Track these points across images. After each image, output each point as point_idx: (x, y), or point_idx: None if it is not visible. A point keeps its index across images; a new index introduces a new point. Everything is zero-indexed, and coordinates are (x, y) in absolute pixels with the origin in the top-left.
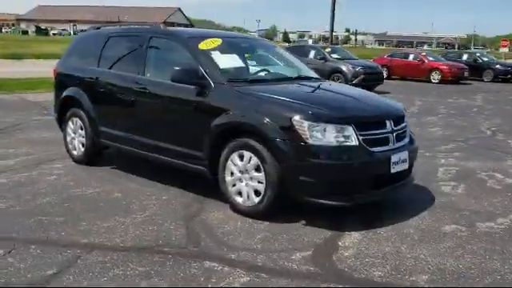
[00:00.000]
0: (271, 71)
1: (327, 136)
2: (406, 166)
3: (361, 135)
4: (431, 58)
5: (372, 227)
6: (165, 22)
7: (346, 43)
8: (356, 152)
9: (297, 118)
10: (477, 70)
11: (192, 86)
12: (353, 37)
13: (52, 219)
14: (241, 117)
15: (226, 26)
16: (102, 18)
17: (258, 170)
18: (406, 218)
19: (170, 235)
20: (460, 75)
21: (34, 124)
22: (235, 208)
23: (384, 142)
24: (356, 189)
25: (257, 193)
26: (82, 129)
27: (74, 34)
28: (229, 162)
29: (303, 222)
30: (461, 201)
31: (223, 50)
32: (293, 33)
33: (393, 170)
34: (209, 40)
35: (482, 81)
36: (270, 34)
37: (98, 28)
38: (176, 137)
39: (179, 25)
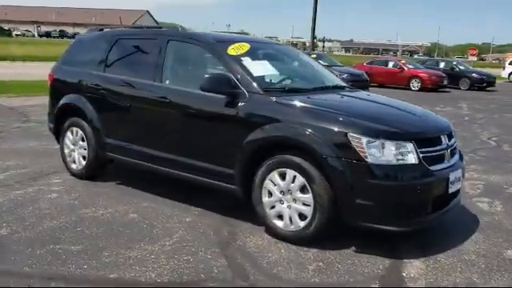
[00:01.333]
0: (303, 79)
1: (386, 154)
2: (459, 185)
3: (420, 152)
4: (411, 66)
5: (430, 253)
6: (134, 26)
7: (314, 50)
8: (416, 171)
9: (353, 133)
10: (454, 78)
11: (222, 96)
12: (320, 43)
13: (67, 248)
14: (283, 131)
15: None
16: (68, 19)
17: (303, 190)
18: (459, 241)
19: (210, 267)
20: (439, 83)
21: (16, 132)
22: (274, 232)
23: (441, 159)
24: (416, 212)
25: (301, 216)
26: (83, 140)
27: (39, 35)
28: (267, 181)
29: (353, 248)
30: (506, 220)
31: (253, 55)
32: None
33: (450, 190)
34: (237, 45)
35: (459, 89)
36: None
37: (101, 29)
38: (203, 152)
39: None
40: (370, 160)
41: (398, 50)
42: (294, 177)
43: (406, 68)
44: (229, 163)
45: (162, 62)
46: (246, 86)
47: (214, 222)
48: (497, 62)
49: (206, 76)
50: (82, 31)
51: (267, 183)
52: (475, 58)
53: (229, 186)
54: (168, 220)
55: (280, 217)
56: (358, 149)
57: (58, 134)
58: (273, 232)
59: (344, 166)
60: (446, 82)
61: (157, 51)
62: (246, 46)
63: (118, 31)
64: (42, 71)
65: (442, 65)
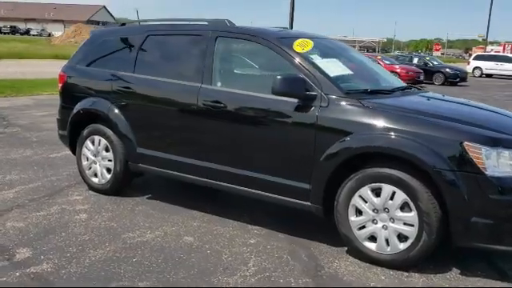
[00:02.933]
0: (373, 79)
1: (503, 164)
2: None
3: None
4: (387, 62)
5: None
6: (89, 21)
7: None
8: None
9: (470, 141)
10: (428, 74)
11: (294, 100)
12: None
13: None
14: (378, 140)
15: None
16: (19, 14)
17: (405, 208)
18: None
19: None
20: (416, 78)
21: (1, 138)
22: (364, 256)
23: None
24: None
25: (400, 237)
26: (107, 150)
27: None
28: (355, 197)
29: (457, 270)
30: None
31: (321, 52)
32: None
33: None
34: (300, 40)
35: (433, 84)
36: None
37: (123, 24)
38: (270, 164)
39: (104, 23)
40: (489, 172)
41: (355, 46)
42: (393, 193)
43: (382, 63)
44: (304, 177)
45: (210, 61)
46: (325, 88)
47: (284, 244)
48: (452, 56)
49: (279, 77)
50: (34, 27)
51: (355, 200)
52: (439, 53)
53: (303, 202)
54: (231, 243)
55: (372, 238)
56: (475, 160)
57: (73, 144)
58: (362, 255)
59: (459, 179)
60: (422, 78)
61: (203, 49)
62: (310, 43)
63: (149, 26)
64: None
65: (415, 60)
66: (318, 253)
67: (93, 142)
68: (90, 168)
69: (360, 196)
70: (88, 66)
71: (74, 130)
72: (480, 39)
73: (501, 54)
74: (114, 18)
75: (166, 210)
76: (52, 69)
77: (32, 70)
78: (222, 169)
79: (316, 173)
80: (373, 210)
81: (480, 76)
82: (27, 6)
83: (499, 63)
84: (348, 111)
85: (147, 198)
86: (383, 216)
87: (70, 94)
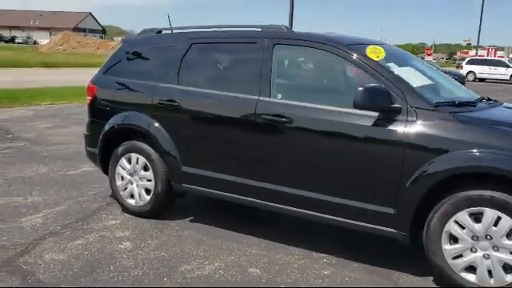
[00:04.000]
0: (448, 89)
1: None
2: None
3: None
4: None
5: None
6: (76, 28)
7: None
8: None
9: None
10: None
11: (374, 113)
12: None
13: None
14: (483, 159)
15: (135, 32)
16: (3, 22)
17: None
18: None
19: None
20: None
21: (10, 154)
22: None
23: None
24: None
25: (506, 268)
26: (145, 169)
27: None
28: (450, 223)
29: None
30: None
31: (396, 61)
32: None
33: None
34: (372, 47)
35: None
36: None
37: (159, 32)
38: (347, 186)
39: (91, 30)
40: None
41: None
42: (498, 218)
43: None
44: (388, 201)
45: (268, 71)
46: (410, 101)
47: (363, 275)
48: (441, 60)
49: (361, 88)
50: (19, 34)
51: (450, 226)
52: (431, 58)
53: (386, 229)
54: (303, 275)
55: (471, 269)
56: None
57: (105, 162)
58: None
59: None
60: None
61: (258, 58)
62: (382, 49)
63: (193, 34)
64: None
65: None
66: (404, 283)
67: (129, 161)
68: (126, 189)
69: (456, 222)
70: (121, 76)
71: (106, 148)
72: (465, 43)
73: (494, 58)
74: (101, 26)
75: (216, 235)
76: (45, 77)
77: (25, 79)
78: (288, 191)
79: (403, 196)
80: (472, 238)
81: (473, 80)
82: (12, 14)
83: (492, 67)
84: (441, 126)
85: (190, 221)
86: (484, 244)
87: (100, 107)
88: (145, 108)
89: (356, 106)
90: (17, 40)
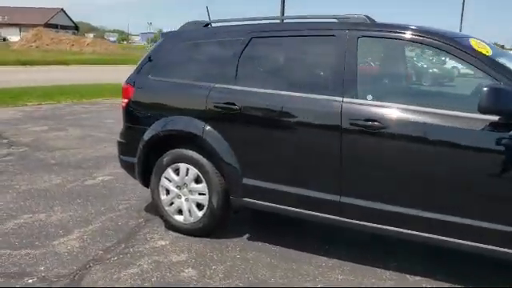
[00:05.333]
0: None
1: None
2: None
3: None
4: None
5: None
6: (47, 24)
7: None
8: None
9: None
10: None
11: (494, 118)
12: None
13: None
14: None
15: (107, 29)
16: None
17: None
18: None
19: None
20: None
21: (13, 162)
22: None
23: None
24: None
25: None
26: (197, 181)
27: None
28: None
29: None
30: None
31: (503, 57)
32: None
33: None
34: (475, 41)
35: None
36: (158, 38)
37: (207, 24)
38: (474, 204)
39: (63, 27)
40: None
41: None
42: None
43: None
44: None
45: (352, 68)
46: None
47: None
48: None
49: (486, 89)
50: None
51: None
52: None
53: None
54: None
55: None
56: None
57: (146, 173)
58: None
59: None
60: None
61: (338, 53)
62: (485, 43)
63: (252, 26)
64: None
65: None
66: None
67: (176, 172)
68: (172, 203)
69: None
70: (164, 76)
71: (147, 157)
72: None
73: None
74: (74, 22)
75: (287, 258)
76: (24, 76)
77: (2, 79)
78: (391, 210)
79: None
80: None
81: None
82: None
83: None
84: None
85: (249, 240)
86: None
87: (139, 111)
88: (196, 112)
89: (482, 110)
90: None
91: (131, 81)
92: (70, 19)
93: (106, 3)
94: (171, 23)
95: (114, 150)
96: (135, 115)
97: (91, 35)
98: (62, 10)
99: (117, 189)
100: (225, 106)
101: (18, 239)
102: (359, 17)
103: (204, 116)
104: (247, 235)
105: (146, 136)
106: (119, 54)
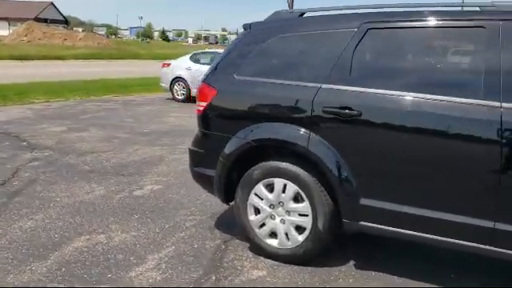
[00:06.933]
0: None
1: None
2: None
3: None
4: None
5: None
6: (37, 18)
7: (224, 42)
8: None
9: None
10: None
11: None
12: (230, 36)
13: None
14: None
15: (95, 23)
16: None
17: None
18: None
19: None
20: None
21: (42, 168)
22: None
23: None
24: None
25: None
26: (297, 200)
27: None
28: None
29: None
30: None
31: None
32: (169, 31)
33: None
34: None
35: None
36: (148, 32)
37: (302, 14)
38: None
39: (53, 21)
40: None
41: None
42: None
43: None
44: None
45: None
46: None
47: None
48: None
49: None
50: None
51: None
52: None
53: None
54: None
55: None
56: None
57: (229, 188)
58: None
59: None
60: None
61: (488, 49)
62: None
63: (366, 16)
64: None
65: None
66: None
67: (270, 188)
68: (263, 225)
69: None
70: (253, 75)
71: (231, 170)
72: None
73: None
74: (64, 16)
75: None
76: (22, 71)
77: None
78: None
79: None
80: None
81: None
82: None
83: None
84: None
85: (356, 267)
86: None
87: (223, 116)
88: (298, 118)
89: None
90: None
91: (210, 81)
92: (60, 13)
93: None
94: (160, 18)
95: (147, 153)
96: (216, 121)
97: (80, 29)
98: (52, 3)
99: (173, 201)
100: (338, 110)
101: (85, 270)
102: (507, 4)
103: (309, 123)
104: (352, 262)
105: (232, 145)
106: (114, 48)
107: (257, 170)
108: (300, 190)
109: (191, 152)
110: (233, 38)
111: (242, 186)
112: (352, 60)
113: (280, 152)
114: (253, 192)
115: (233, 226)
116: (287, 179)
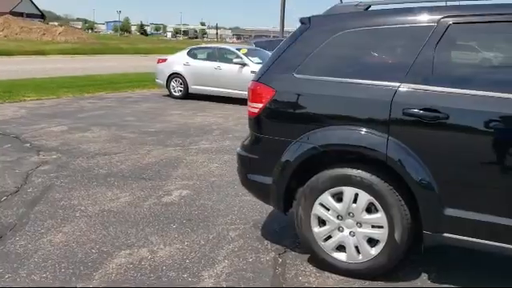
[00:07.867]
0: None
1: None
2: None
3: None
4: None
5: None
6: (12, 12)
7: (203, 37)
8: None
9: None
10: None
11: None
12: (208, 31)
13: None
14: None
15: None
16: None
17: None
18: None
19: None
20: None
21: (53, 172)
22: None
23: None
24: None
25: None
26: (370, 211)
27: None
28: None
29: None
30: None
31: None
32: (147, 25)
33: None
34: None
35: None
36: (126, 26)
37: (368, 7)
38: None
39: (29, 15)
40: None
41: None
42: None
43: None
44: None
45: None
46: None
47: None
48: None
49: None
50: None
51: None
52: None
53: None
54: None
55: None
56: None
57: (287, 197)
58: None
59: None
60: None
61: None
62: None
63: (447, 9)
64: None
65: None
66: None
67: (337, 197)
68: (329, 238)
69: None
70: (317, 74)
71: (291, 177)
72: None
73: None
74: (40, 10)
75: None
76: (4, 67)
77: None
78: None
79: None
80: None
81: None
82: None
83: None
84: None
85: (431, 280)
86: None
87: (282, 119)
88: (373, 121)
89: None
90: None
91: (265, 80)
92: (36, 7)
93: None
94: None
95: (161, 154)
96: (274, 124)
97: (56, 24)
98: None
99: (207, 207)
100: (422, 113)
101: None
102: None
103: (387, 126)
104: (424, 275)
105: (293, 151)
106: (97, 43)
107: (323, 177)
108: (374, 200)
109: (242, 158)
110: (212, 32)
111: (304, 195)
112: (434, 57)
113: (345, 158)
114: (317, 202)
115: (281, 235)
116: (359, 188)
